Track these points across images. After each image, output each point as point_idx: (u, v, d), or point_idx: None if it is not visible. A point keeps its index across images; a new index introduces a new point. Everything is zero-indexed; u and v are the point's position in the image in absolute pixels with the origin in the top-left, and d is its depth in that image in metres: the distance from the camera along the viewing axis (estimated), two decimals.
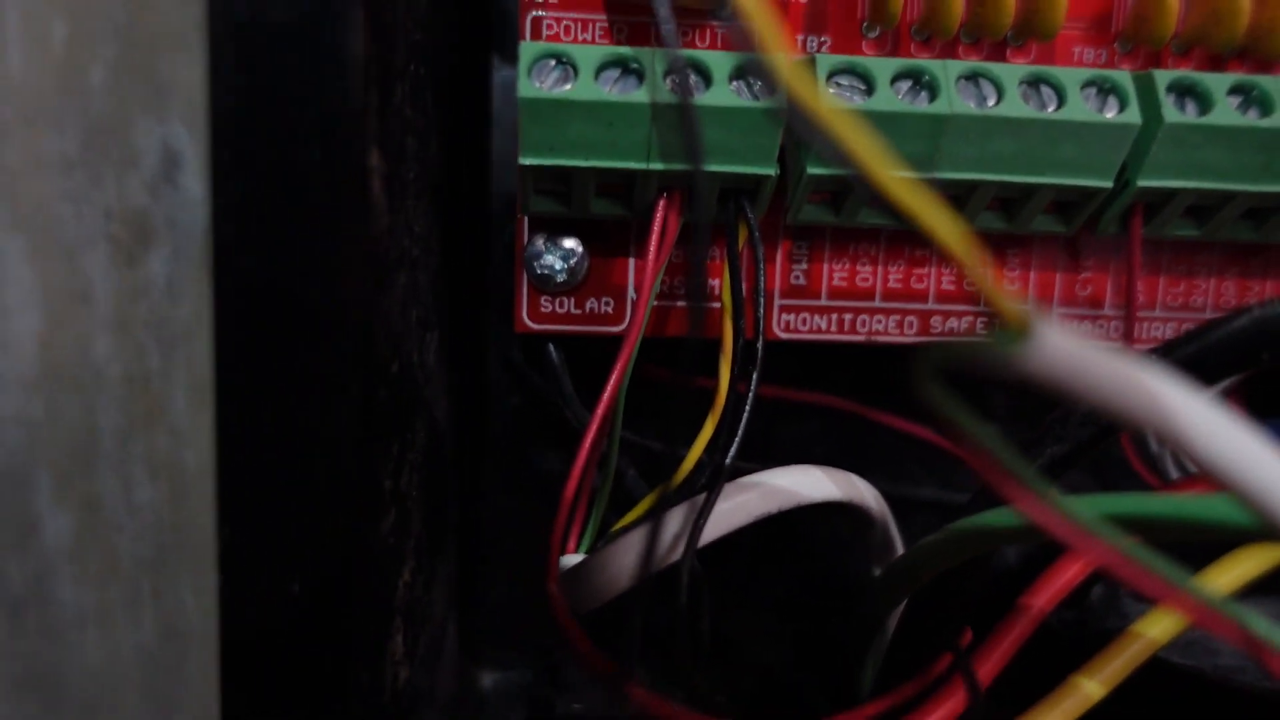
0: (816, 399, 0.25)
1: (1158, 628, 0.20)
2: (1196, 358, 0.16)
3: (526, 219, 0.20)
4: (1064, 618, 0.22)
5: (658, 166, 0.18)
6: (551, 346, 0.22)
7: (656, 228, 0.19)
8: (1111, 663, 0.20)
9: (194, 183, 0.25)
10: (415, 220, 0.19)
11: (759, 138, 0.18)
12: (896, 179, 0.11)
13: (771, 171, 0.18)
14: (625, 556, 0.17)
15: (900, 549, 0.20)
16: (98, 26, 0.24)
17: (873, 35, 0.20)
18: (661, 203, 0.19)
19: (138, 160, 0.25)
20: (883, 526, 0.20)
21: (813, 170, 0.18)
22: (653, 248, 0.19)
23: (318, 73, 0.14)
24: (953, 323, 0.21)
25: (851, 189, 0.19)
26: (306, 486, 0.15)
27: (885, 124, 0.18)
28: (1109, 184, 0.19)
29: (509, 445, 0.25)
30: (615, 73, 0.18)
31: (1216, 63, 0.20)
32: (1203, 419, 0.12)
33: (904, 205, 0.11)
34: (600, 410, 0.19)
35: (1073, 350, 0.12)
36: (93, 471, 0.26)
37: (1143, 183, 0.19)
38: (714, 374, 0.20)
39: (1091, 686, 0.19)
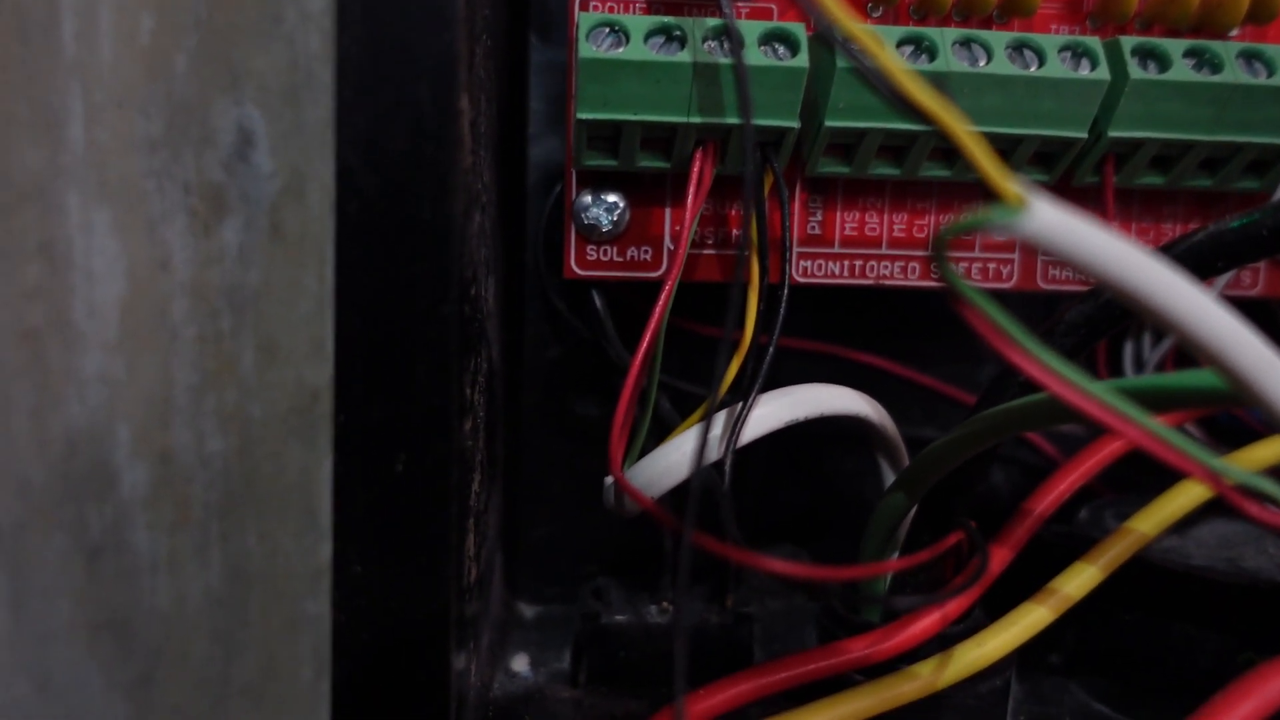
0: (829, 349, 0.28)
1: (1147, 524, 0.23)
2: None
3: (575, 176, 0.23)
4: (1054, 530, 0.25)
5: (697, 120, 0.21)
6: (595, 292, 0.25)
7: (695, 175, 0.22)
8: (1109, 551, 0.22)
9: (265, 159, 0.28)
10: (484, 169, 0.22)
11: (784, 94, 0.21)
12: (914, 82, 0.14)
13: (794, 124, 0.21)
14: (677, 452, 0.20)
15: (904, 461, 0.23)
16: (181, 19, 0.27)
17: (876, 15, 0.23)
18: (699, 154, 0.22)
19: (215, 139, 0.28)
20: (895, 445, 0.23)
21: (830, 123, 0.21)
22: (691, 193, 0.22)
23: (428, 23, 0.17)
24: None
25: (863, 140, 0.22)
26: (412, 378, 0.18)
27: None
28: (1084, 134, 0.22)
29: (550, 392, 0.28)
30: (660, 39, 0.21)
31: (1174, 35, 0.23)
32: (1172, 283, 0.14)
33: (921, 103, 0.14)
34: (648, 334, 0.21)
35: (1061, 219, 0.14)
36: (168, 425, 0.29)
37: (1113, 133, 0.22)
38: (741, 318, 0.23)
39: (1091, 571, 0.22)
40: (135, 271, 0.29)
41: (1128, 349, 0.27)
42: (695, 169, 0.22)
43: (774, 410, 0.21)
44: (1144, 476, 0.23)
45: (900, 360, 0.28)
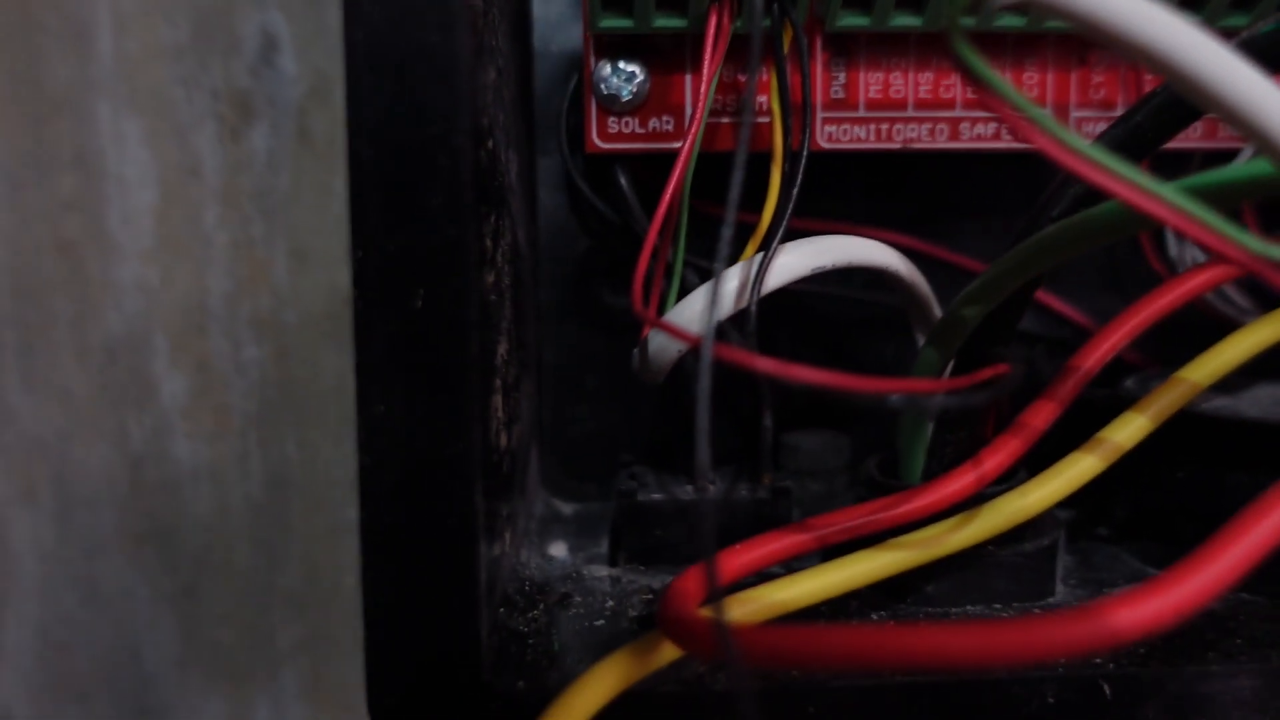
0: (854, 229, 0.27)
1: (1199, 373, 0.22)
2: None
3: (593, 43, 0.23)
4: (1099, 393, 0.24)
5: None
6: (619, 168, 0.24)
7: (711, 31, 0.22)
8: (1159, 400, 0.21)
9: (290, 63, 0.28)
10: (498, 31, 0.22)
11: None
12: None
13: None
14: (699, 301, 0.20)
15: (938, 316, 0.23)
16: None
17: None
18: (714, 9, 0.22)
19: (240, 45, 0.28)
20: (926, 302, 0.23)
21: None
22: (709, 51, 0.22)
23: None
24: (980, 128, 0.24)
25: None
26: (426, 210, 0.18)
27: None
28: None
29: (579, 285, 0.27)
30: None
31: None
32: (1188, 34, 0.14)
33: None
34: (670, 189, 0.21)
35: None
36: (204, 334, 0.29)
37: None
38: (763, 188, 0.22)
39: (1140, 421, 0.21)
40: (167, 179, 0.29)
41: None
42: (711, 25, 0.22)
43: (800, 257, 0.20)
44: (1189, 350, 0.22)
45: (931, 239, 0.27)
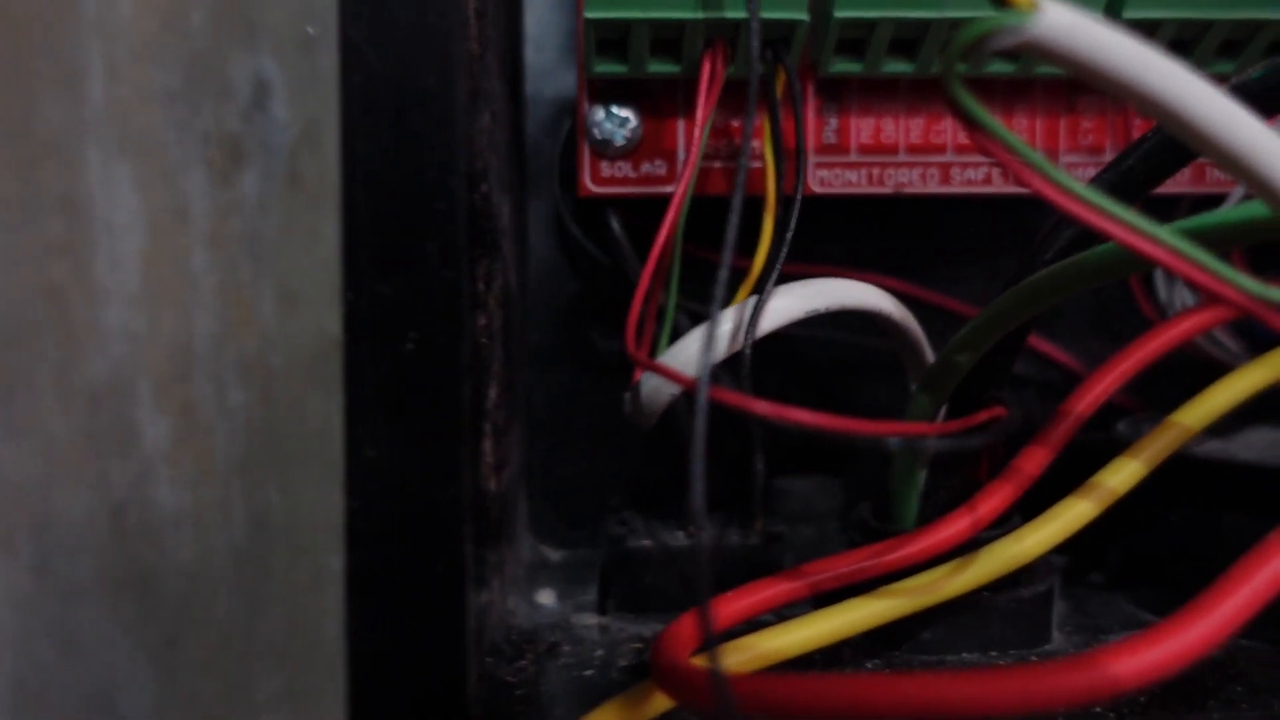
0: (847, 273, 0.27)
1: (1191, 416, 0.22)
2: None
3: (587, 87, 0.23)
4: (1092, 437, 0.24)
5: (702, 15, 0.21)
6: (611, 213, 0.24)
7: (705, 77, 0.22)
8: (1153, 445, 0.21)
9: (282, 109, 0.28)
10: (492, 75, 0.22)
11: None
12: None
13: (804, 16, 0.21)
14: (694, 343, 0.20)
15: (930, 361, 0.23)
16: None
17: None
18: (708, 55, 0.22)
19: (232, 91, 0.28)
20: (919, 346, 0.23)
21: (840, 14, 0.21)
22: (702, 96, 0.22)
23: None
24: (970, 173, 0.24)
25: (874, 31, 0.21)
26: (421, 254, 0.17)
27: None
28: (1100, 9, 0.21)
29: (569, 328, 0.27)
30: None
31: None
32: (1195, 85, 0.14)
33: None
34: (663, 232, 0.21)
35: (1074, 19, 0.14)
36: (189, 378, 0.29)
37: (1128, 15, 0.21)
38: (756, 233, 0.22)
39: (1134, 466, 0.21)
40: (156, 223, 0.29)
41: None
42: (705, 70, 0.22)
43: (794, 300, 0.20)
44: (1179, 394, 0.22)
45: (923, 283, 0.27)
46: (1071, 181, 0.14)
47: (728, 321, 0.20)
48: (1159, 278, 0.27)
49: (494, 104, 0.22)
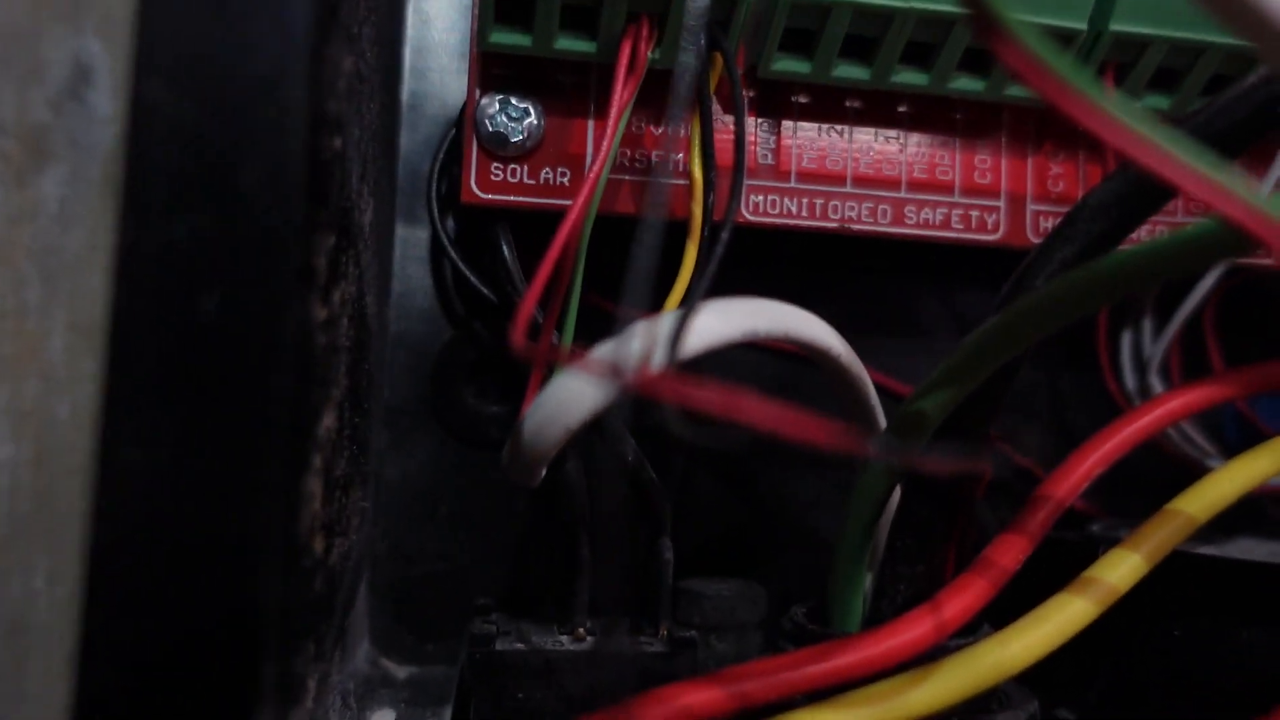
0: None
1: (1194, 505, 0.18)
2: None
3: (480, 68, 0.19)
4: (1072, 535, 0.20)
5: None
6: (499, 228, 0.20)
7: (624, 59, 0.18)
8: (1153, 535, 0.17)
9: (104, 100, 0.23)
10: (366, 46, 0.17)
11: None
12: None
13: None
14: (612, 348, 0.15)
15: (881, 420, 0.18)
16: None
17: None
18: (630, 32, 0.18)
19: (43, 73, 0.23)
20: (864, 392, 0.18)
21: None
22: (619, 82, 0.18)
23: None
24: (927, 213, 0.20)
25: (827, 20, 0.18)
26: (237, 192, 0.13)
27: None
28: (1083, 26, 0.18)
29: (436, 383, 0.22)
30: None
31: None
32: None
33: None
34: (555, 246, 0.16)
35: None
36: None
37: (1115, 27, 0.18)
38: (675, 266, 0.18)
39: (1134, 560, 0.17)
40: None
41: (1125, 340, 0.23)
42: (625, 53, 0.18)
43: (728, 319, 0.16)
44: (1142, 503, 0.19)
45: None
46: (1104, 98, 0.11)
47: (656, 329, 0.16)
48: (1126, 366, 0.23)
49: (363, 64, 0.18)
